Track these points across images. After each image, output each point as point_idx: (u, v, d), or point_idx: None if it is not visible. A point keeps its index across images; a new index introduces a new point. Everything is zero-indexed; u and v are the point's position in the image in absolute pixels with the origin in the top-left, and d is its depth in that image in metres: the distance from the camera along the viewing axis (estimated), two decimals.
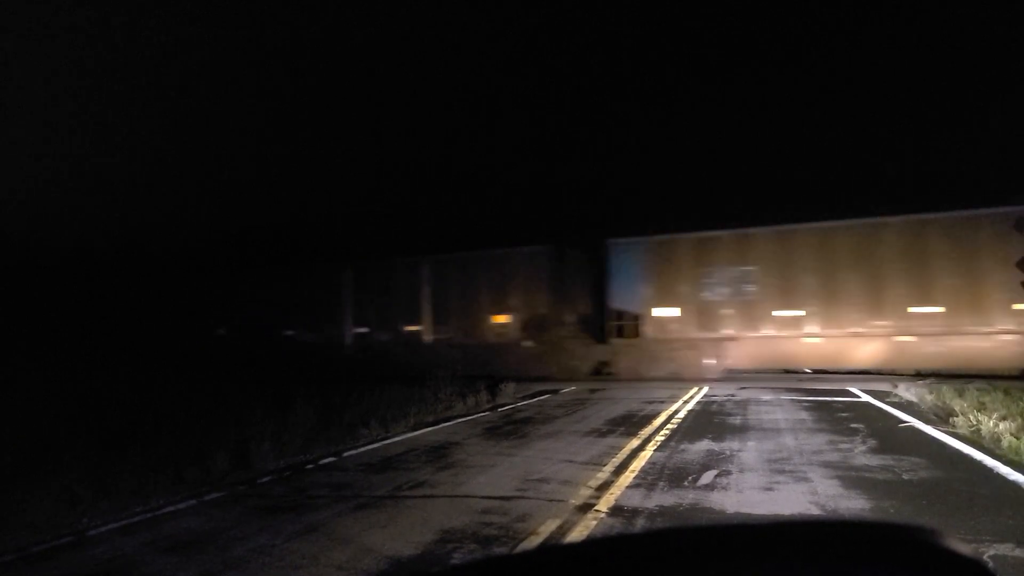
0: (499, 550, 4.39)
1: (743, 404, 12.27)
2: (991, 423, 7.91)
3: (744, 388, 15.31)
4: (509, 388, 14.69)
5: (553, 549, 2.54)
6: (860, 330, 16.38)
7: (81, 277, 27.45)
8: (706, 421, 10.18)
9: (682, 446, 8.00)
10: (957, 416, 8.97)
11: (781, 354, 17.30)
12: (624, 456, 7.47)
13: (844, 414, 10.51)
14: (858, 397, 12.89)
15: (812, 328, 16.82)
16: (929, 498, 5.36)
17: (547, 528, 4.85)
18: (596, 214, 36.00)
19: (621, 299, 18.94)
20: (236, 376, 15.15)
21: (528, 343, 19.74)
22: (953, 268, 15.59)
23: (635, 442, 8.38)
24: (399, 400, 11.62)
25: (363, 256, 24.12)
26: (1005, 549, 4.07)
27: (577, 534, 4.75)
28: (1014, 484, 5.77)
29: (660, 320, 18.41)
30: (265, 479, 6.89)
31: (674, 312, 18.28)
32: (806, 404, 11.98)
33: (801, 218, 17.38)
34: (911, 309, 15.86)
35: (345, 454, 8.20)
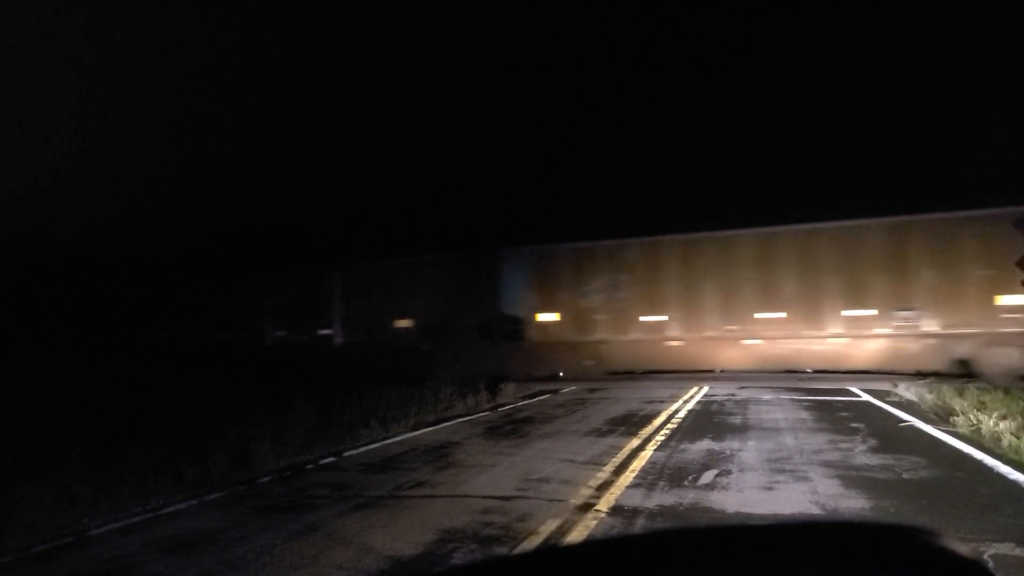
0: (499, 550, 4.40)
1: (743, 403, 12.27)
2: (991, 422, 7.91)
3: (744, 387, 15.32)
4: (509, 388, 14.70)
5: (553, 549, 2.55)
6: (714, 334, 17.84)
7: (81, 277, 27.44)
8: (706, 420, 10.18)
9: (682, 446, 8.00)
10: (957, 415, 8.97)
11: (646, 356, 18.63)
12: (624, 456, 7.47)
13: (844, 413, 10.51)
14: (858, 396, 12.89)
15: (673, 332, 18.22)
16: (929, 497, 5.36)
17: (547, 528, 4.85)
18: (494, 222, 36.46)
19: (511, 305, 20.46)
20: (236, 376, 15.15)
21: (426, 346, 21.05)
22: (798, 275, 17.26)
23: (635, 442, 8.38)
24: (399, 400, 11.62)
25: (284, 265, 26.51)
26: (1005, 548, 4.07)
27: (577, 534, 4.75)
28: (1014, 483, 5.77)
29: (543, 324, 19.86)
30: (265, 479, 6.89)
31: (553, 317, 19.85)
32: (806, 404, 11.99)
33: (667, 230, 18.96)
34: (757, 315, 17.34)
35: (345, 454, 8.20)
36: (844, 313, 16.64)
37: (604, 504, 5.44)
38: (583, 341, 19.02)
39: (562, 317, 19.51)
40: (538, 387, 16.71)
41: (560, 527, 4.87)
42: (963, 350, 15.68)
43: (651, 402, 12.90)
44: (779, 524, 0.77)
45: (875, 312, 16.49)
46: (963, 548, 0.69)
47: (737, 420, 10.14)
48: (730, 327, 17.61)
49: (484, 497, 5.81)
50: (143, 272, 28.46)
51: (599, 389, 16.24)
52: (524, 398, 14.41)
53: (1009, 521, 4.64)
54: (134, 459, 6.72)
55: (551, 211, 37.59)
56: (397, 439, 9.28)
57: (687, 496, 5.62)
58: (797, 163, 45.53)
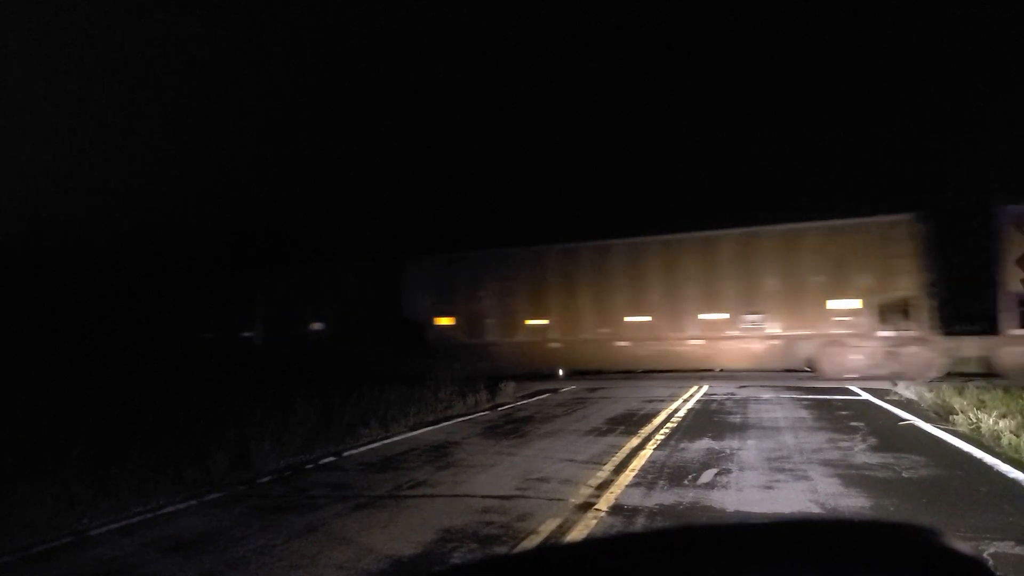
0: (499, 550, 4.39)
1: (743, 402, 12.27)
2: (991, 421, 7.91)
3: (744, 387, 15.33)
4: (509, 387, 14.70)
5: (553, 548, 2.55)
6: (589, 336, 19.38)
7: (81, 277, 27.44)
8: (706, 420, 10.18)
9: (682, 444, 8.00)
10: (957, 414, 8.97)
11: (531, 357, 19.86)
12: (624, 455, 7.47)
13: (843, 412, 10.51)
14: (858, 395, 12.89)
15: (554, 334, 19.64)
16: (929, 496, 5.36)
17: (547, 527, 4.85)
18: (403, 231, 36.92)
19: (414, 310, 22.09)
20: (236, 376, 15.15)
21: (342, 348, 22.47)
22: (663, 282, 18.87)
23: (635, 441, 8.38)
24: (399, 400, 11.62)
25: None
26: (1006, 547, 4.07)
27: (577, 533, 4.75)
28: (1014, 482, 5.77)
29: (440, 328, 21.45)
30: (265, 479, 6.89)
31: (449, 321, 21.51)
32: (806, 402, 11.99)
33: (552, 240, 20.51)
34: (627, 319, 18.86)
35: (345, 454, 8.20)
36: (701, 317, 18.11)
37: (604, 503, 5.44)
38: (475, 344, 20.18)
39: (457, 321, 20.91)
40: (538, 386, 16.71)
41: (560, 526, 4.87)
42: (806, 351, 17.09)
43: (651, 401, 12.90)
44: (779, 523, 0.77)
45: (727, 316, 17.97)
46: (963, 546, 0.69)
47: (737, 419, 10.14)
48: (603, 330, 19.04)
49: (484, 497, 5.81)
50: (142, 272, 28.46)
51: (599, 388, 16.24)
52: (523, 397, 14.41)
53: (1009, 519, 4.64)
54: (134, 459, 6.72)
55: (457, 219, 38.12)
56: (397, 439, 9.28)
57: (687, 495, 5.62)
58: (661, 177, 46.99)
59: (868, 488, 5.66)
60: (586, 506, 5.38)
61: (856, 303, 17.16)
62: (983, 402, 9.55)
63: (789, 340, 17.40)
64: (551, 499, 5.65)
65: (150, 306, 26.95)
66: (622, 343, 18.90)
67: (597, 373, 19.52)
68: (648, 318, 18.65)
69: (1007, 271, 16.17)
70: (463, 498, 5.79)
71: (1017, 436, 7.01)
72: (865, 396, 12.69)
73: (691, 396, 13.72)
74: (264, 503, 5.91)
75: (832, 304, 17.22)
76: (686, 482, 6.07)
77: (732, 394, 13.87)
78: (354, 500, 5.86)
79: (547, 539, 4.61)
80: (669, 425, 9.65)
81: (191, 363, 18.13)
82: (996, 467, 6.32)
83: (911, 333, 16.66)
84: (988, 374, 15.55)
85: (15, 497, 5.34)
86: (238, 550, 4.56)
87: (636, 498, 5.58)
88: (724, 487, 5.88)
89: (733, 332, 17.93)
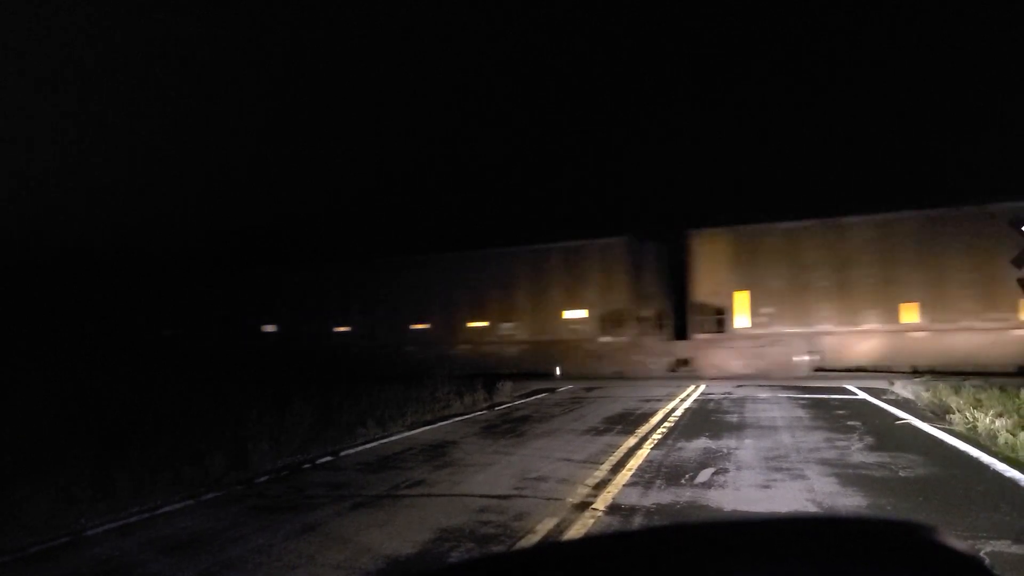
0: (497, 549, 4.40)
1: (740, 402, 12.29)
2: (987, 420, 7.93)
3: (741, 386, 15.35)
4: (506, 387, 14.71)
5: (550, 547, 2.54)
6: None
7: (80, 277, 27.39)
8: (703, 419, 10.19)
9: (679, 444, 8.01)
10: (953, 413, 8.99)
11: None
12: (621, 454, 7.47)
13: (841, 411, 10.53)
14: (855, 395, 12.91)
15: (501, 336, 22.47)
16: (926, 495, 5.37)
17: (545, 526, 4.85)
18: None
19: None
20: (234, 376, 15.14)
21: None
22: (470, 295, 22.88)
23: (632, 440, 8.39)
24: (397, 399, 11.62)
25: None
26: (1002, 546, 4.08)
27: (574, 532, 4.75)
28: (1010, 480, 5.79)
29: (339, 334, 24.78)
30: (263, 479, 6.89)
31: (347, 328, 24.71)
32: (803, 402, 12.01)
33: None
34: (564, 314, 21.61)
35: (343, 453, 8.20)
36: (468, 325, 22.60)
37: (601, 503, 5.45)
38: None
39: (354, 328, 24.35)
40: (535, 385, 16.71)
41: (557, 526, 4.87)
42: (551, 354, 20.98)
43: (648, 400, 12.91)
44: (776, 521, 0.77)
45: (487, 324, 22.31)
46: (960, 545, 0.69)
47: (734, 418, 10.15)
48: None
49: (481, 496, 5.81)
50: (142, 272, 28.43)
51: (596, 388, 16.24)
52: (521, 397, 14.41)
53: (1005, 518, 4.65)
54: (132, 459, 6.71)
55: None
56: (394, 438, 9.28)
57: (684, 494, 5.62)
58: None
59: (865, 487, 5.68)
60: (583, 505, 5.39)
61: (583, 313, 21.02)
62: (979, 401, 9.57)
63: (538, 345, 21.31)
64: (548, 498, 5.65)
65: (149, 306, 26.90)
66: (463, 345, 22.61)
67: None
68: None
69: (694, 286, 19.97)
70: (461, 497, 5.79)
71: (1013, 435, 7.03)
72: (862, 395, 12.71)
73: (688, 395, 13.73)
74: (262, 503, 5.91)
75: (567, 314, 21.26)
76: (683, 481, 6.08)
77: (729, 393, 13.88)
78: (352, 500, 5.85)
79: (545, 538, 4.61)
80: (666, 424, 9.66)
81: (190, 363, 18.10)
82: (993, 466, 6.34)
83: (623, 339, 20.23)
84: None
85: (13, 497, 5.33)
86: (236, 550, 4.55)
87: (633, 497, 5.58)
88: (721, 486, 5.89)
89: (491, 338, 22.17)
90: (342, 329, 24.89)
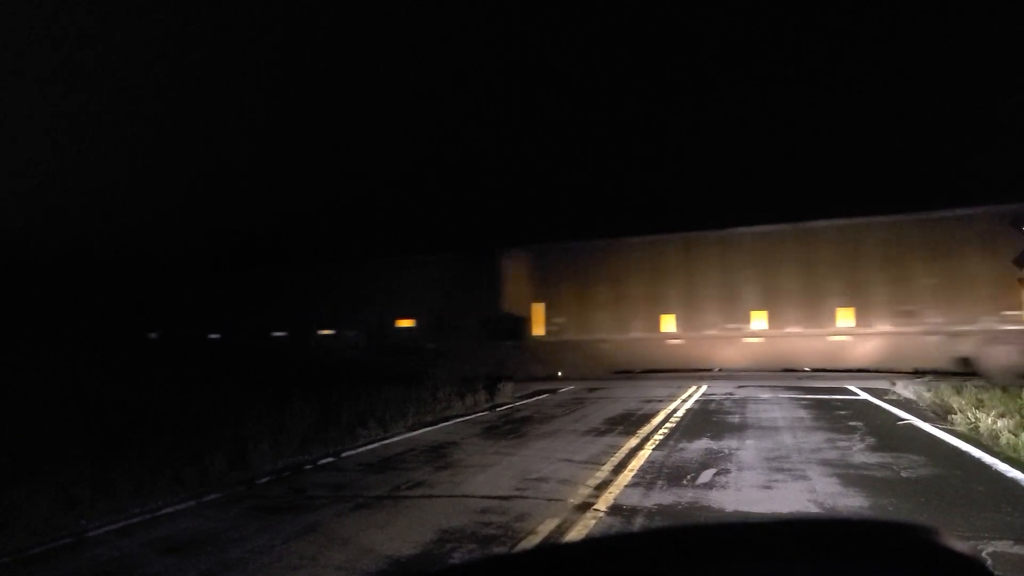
0: (498, 550, 4.39)
1: (741, 402, 12.28)
2: (989, 420, 7.92)
3: (742, 387, 15.34)
4: (507, 387, 14.70)
5: (552, 548, 2.54)
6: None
7: (80, 277, 27.42)
8: (704, 420, 10.18)
9: (681, 445, 8.00)
10: (955, 413, 8.98)
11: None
12: (623, 455, 7.47)
13: (842, 412, 10.52)
14: (856, 395, 12.90)
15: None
16: (928, 495, 5.36)
17: (546, 527, 4.85)
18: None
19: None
20: (235, 376, 15.14)
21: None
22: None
23: (634, 441, 8.38)
24: (397, 400, 11.61)
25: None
26: (1004, 546, 4.07)
27: (576, 533, 4.75)
28: (1012, 481, 5.78)
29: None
30: (263, 480, 6.89)
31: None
32: (804, 402, 12.00)
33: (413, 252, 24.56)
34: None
35: (344, 454, 8.19)
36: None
37: (603, 503, 5.44)
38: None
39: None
40: (536, 386, 16.71)
41: (559, 527, 4.86)
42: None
43: (649, 401, 12.91)
44: (777, 522, 0.77)
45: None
46: (961, 546, 0.69)
47: (735, 419, 10.14)
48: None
49: (482, 497, 5.80)
50: (141, 272, 28.45)
51: (598, 388, 16.24)
52: (522, 398, 14.41)
53: (1007, 519, 4.64)
54: (132, 460, 6.71)
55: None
56: (395, 439, 9.28)
57: (686, 495, 5.62)
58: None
59: (867, 488, 5.67)
60: (585, 506, 5.38)
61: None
62: (981, 401, 9.56)
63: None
64: (550, 499, 5.65)
65: (149, 306, 26.93)
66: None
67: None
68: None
69: (504, 300, 21.72)
70: (462, 498, 5.79)
71: (1015, 435, 7.02)
72: (864, 396, 12.70)
73: (690, 396, 13.72)
74: (262, 504, 5.91)
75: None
76: (685, 482, 6.07)
77: (730, 394, 13.87)
78: (353, 500, 5.85)
79: (546, 539, 4.60)
80: (668, 425, 9.65)
81: (191, 363, 18.11)
82: (994, 466, 6.33)
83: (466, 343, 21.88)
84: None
85: (13, 498, 5.33)
86: (236, 551, 4.55)
87: (635, 498, 5.58)
88: (723, 487, 5.88)
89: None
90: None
